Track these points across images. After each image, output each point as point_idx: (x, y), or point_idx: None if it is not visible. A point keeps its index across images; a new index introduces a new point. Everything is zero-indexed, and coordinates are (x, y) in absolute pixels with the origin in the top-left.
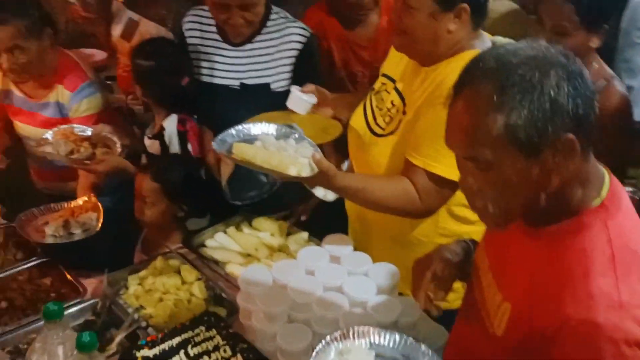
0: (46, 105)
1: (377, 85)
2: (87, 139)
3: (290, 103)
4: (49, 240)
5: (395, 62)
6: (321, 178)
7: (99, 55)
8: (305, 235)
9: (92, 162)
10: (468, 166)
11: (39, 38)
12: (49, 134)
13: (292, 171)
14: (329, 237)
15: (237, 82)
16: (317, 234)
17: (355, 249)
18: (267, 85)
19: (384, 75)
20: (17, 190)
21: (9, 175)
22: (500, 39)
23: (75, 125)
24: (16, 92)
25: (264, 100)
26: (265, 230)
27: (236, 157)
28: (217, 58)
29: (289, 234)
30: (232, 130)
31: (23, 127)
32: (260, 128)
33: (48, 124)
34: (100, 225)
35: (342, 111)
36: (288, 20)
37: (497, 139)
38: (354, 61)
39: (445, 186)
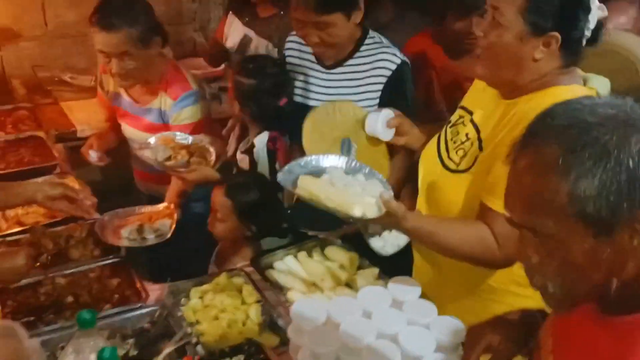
0: (150, 111)
1: (454, 117)
2: (186, 147)
3: (369, 120)
4: (124, 243)
5: (475, 94)
6: (389, 219)
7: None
8: (375, 271)
9: (185, 171)
10: (527, 236)
11: (147, 46)
12: (152, 139)
13: (357, 212)
14: (396, 279)
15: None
16: (385, 269)
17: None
18: None
19: (462, 107)
20: (119, 189)
21: (114, 173)
22: (595, 79)
23: (177, 133)
24: (124, 96)
25: None
26: (336, 261)
27: (300, 192)
28: (311, 79)
29: (359, 267)
30: (301, 161)
31: (128, 130)
32: (330, 161)
33: (151, 129)
34: (171, 232)
35: (416, 142)
36: (382, 45)
37: (561, 209)
38: (456, 93)
39: None
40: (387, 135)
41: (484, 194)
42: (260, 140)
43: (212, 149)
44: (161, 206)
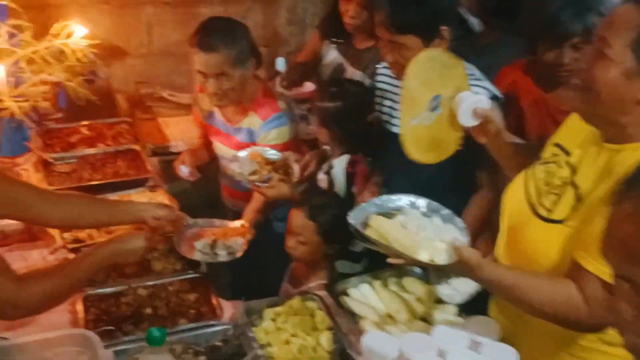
0: (240, 130)
1: (546, 154)
2: (272, 163)
3: (462, 95)
4: (196, 256)
5: (573, 131)
6: (461, 267)
7: (308, 87)
8: (454, 308)
9: (265, 186)
10: (623, 289)
11: (243, 67)
12: (242, 152)
13: (423, 256)
14: (475, 319)
15: None
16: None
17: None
18: None
19: (557, 144)
20: (206, 204)
21: (203, 189)
22: None
23: (267, 149)
24: (218, 115)
25: None
26: (413, 293)
27: (369, 233)
28: (398, 106)
29: (437, 302)
30: (377, 200)
31: (220, 147)
32: (410, 199)
33: (240, 147)
34: (242, 251)
35: (497, 150)
36: (473, 77)
37: None
38: (550, 127)
39: None
40: (466, 119)
41: (578, 251)
42: (340, 163)
43: (296, 168)
44: (237, 223)
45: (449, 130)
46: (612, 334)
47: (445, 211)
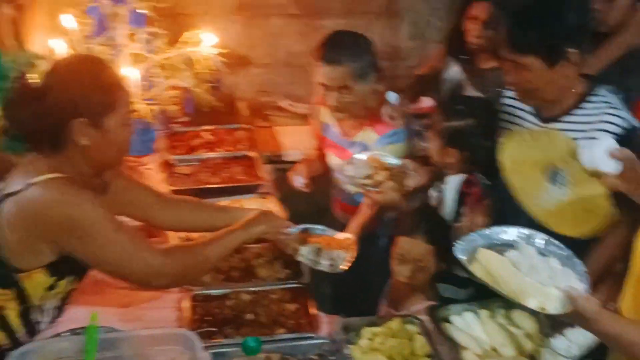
0: (354, 144)
1: None
2: (389, 169)
3: (586, 147)
4: (299, 258)
5: None
6: (576, 317)
7: (426, 102)
8: None
9: (374, 190)
10: None
11: (365, 81)
12: (359, 155)
13: (532, 303)
14: None
15: None
16: None
17: None
18: None
19: None
20: (316, 214)
21: (314, 199)
22: None
23: (386, 154)
24: (334, 127)
25: None
26: (522, 328)
27: (474, 269)
28: (525, 130)
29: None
30: (487, 230)
31: (333, 159)
32: (525, 232)
33: None
34: (345, 266)
35: None
36: (610, 106)
37: None
38: None
39: None
40: (608, 165)
41: None
42: (454, 181)
43: (411, 179)
44: (343, 236)
45: (592, 192)
46: None
47: (565, 252)
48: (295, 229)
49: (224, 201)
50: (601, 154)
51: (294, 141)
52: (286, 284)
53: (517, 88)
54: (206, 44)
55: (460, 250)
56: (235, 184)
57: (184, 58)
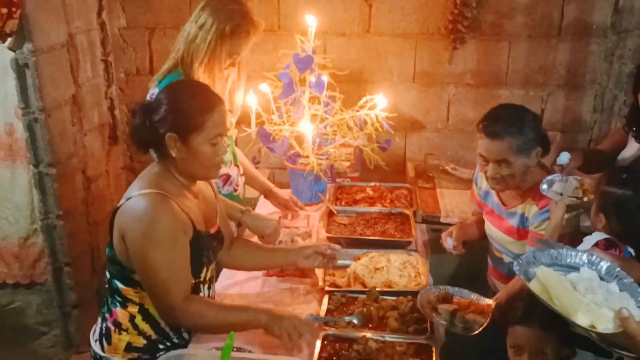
0: (514, 214)
1: None
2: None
3: None
4: (434, 317)
5: None
6: (626, 339)
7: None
8: None
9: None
10: None
11: (526, 156)
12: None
13: (580, 319)
14: None
15: None
16: None
17: None
18: None
19: None
20: (469, 280)
21: (468, 264)
22: None
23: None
24: (494, 196)
25: None
26: None
27: (532, 285)
28: None
29: None
30: (554, 252)
31: (490, 228)
32: (592, 258)
33: (510, 232)
34: (479, 330)
35: None
36: None
37: None
38: None
39: None
40: None
41: None
42: (589, 240)
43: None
44: (486, 301)
45: None
46: None
47: (628, 279)
48: (435, 290)
49: (374, 253)
50: None
51: (453, 204)
52: (413, 339)
53: None
54: (379, 108)
55: (518, 267)
56: (385, 238)
57: (357, 120)
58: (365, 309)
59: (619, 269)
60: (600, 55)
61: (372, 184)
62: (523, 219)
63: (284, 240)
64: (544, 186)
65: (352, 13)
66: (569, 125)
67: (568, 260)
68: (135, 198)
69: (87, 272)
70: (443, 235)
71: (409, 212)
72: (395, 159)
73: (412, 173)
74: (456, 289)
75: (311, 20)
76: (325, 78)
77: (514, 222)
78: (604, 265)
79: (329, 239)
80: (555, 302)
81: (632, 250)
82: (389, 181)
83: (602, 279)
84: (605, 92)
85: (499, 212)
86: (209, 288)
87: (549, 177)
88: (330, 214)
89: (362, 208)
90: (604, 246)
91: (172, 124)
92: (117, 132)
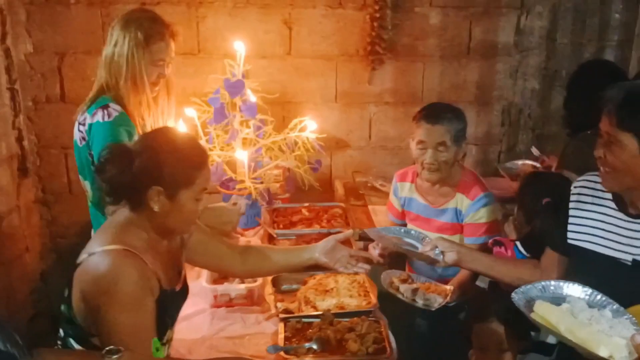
0: (445, 211)
1: None
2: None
3: None
4: (397, 295)
5: None
6: None
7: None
8: None
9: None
10: None
11: (458, 146)
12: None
13: (604, 352)
14: None
15: (629, 257)
16: None
17: None
18: None
19: None
20: None
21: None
22: None
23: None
24: (419, 200)
25: None
26: None
27: (535, 318)
28: (607, 226)
29: None
30: (539, 285)
31: None
32: (572, 290)
33: (443, 229)
34: (438, 307)
35: None
36: None
37: None
38: None
39: None
40: None
41: None
42: None
43: None
44: (446, 287)
45: None
46: None
47: (614, 305)
48: (397, 273)
49: (320, 275)
50: None
51: (387, 221)
52: (375, 359)
53: (602, 163)
54: (309, 129)
55: (516, 300)
56: None
57: (288, 142)
58: (322, 334)
59: (602, 296)
60: (506, 73)
61: (306, 204)
62: (457, 212)
63: None
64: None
65: (273, 36)
66: (480, 139)
67: (553, 290)
68: (98, 255)
69: None
70: (370, 245)
71: (347, 231)
72: (322, 177)
73: (341, 191)
74: (415, 274)
75: (240, 46)
76: (254, 100)
77: (446, 218)
78: (586, 293)
79: None
80: (569, 336)
81: (522, 249)
82: (317, 200)
83: (590, 306)
84: (512, 107)
85: (427, 214)
86: (168, 348)
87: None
88: (269, 238)
89: (301, 230)
90: (492, 244)
91: (159, 177)
92: (27, 163)
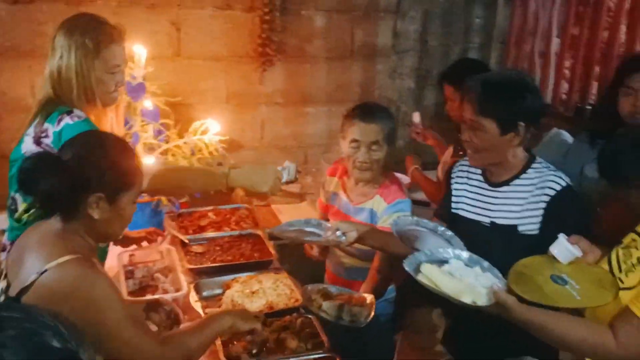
0: (362, 210)
1: (626, 240)
2: None
3: (554, 249)
4: (321, 314)
5: None
6: (499, 309)
7: (405, 179)
8: None
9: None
10: None
11: (389, 146)
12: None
13: (466, 299)
14: None
15: (487, 220)
16: None
17: None
18: (514, 227)
19: (635, 231)
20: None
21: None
22: None
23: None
24: (342, 195)
25: (510, 240)
26: None
27: (421, 278)
28: (475, 195)
29: None
30: (427, 250)
31: None
32: (454, 252)
33: None
34: (365, 323)
35: (599, 258)
36: (549, 169)
37: None
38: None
39: None
40: (576, 251)
41: (632, 300)
42: None
43: None
44: (366, 296)
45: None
46: None
47: (485, 263)
48: (313, 287)
49: (243, 277)
50: (565, 247)
51: (293, 218)
52: (316, 353)
53: (469, 146)
54: (211, 132)
55: (407, 266)
56: (248, 261)
57: (192, 145)
58: (259, 335)
59: (476, 256)
60: (385, 73)
61: (210, 208)
62: (372, 214)
63: (144, 278)
64: None
65: (161, 37)
66: None
67: (439, 256)
68: (54, 271)
69: None
70: (306, 247)
71: (259, 231)
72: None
73: (241, 192)
74: (329, 285)
75: (141, 49)
76: (151, 104)
77: (362, 217)
78: (465, 255)
79: (191, 270)
80: (444, 290)
81: None
82: (216, 204)
83: (467, 265)
84: (391, 105)
85: (346, 211)
86: None
87: None
88: (182, 244)
89: (212, 234)
90: None
91: (100, 184)
92: None
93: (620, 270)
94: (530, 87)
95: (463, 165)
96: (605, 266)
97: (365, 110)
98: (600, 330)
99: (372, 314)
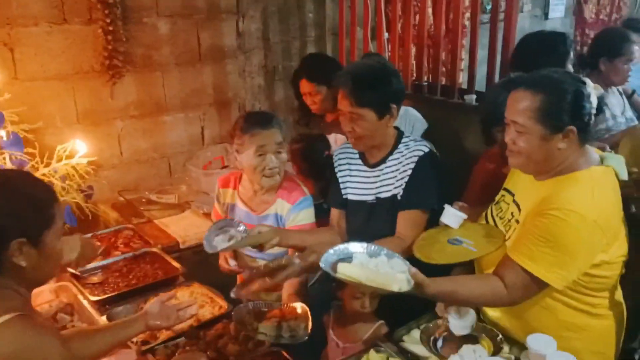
0: (267, 217)
1: (497, 196)
2: None
3: (444, 218)
4: (260, 337)
5: (515, 178)
6: (417, 289)
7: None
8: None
9: None
10: None
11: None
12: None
13: (395, 288)
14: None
15: (372, 197)
16: None
17: None
18: (395, 196)
19: (505, 188)
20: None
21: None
22: (610, 157)
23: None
24: (241, 206)
25: (391, 208)
26: None
27: (340, 277)
28: (358, 178)
29: None
30: (331, 250)
31: None
32: (354, 247)
33: None
34: (307, 335)
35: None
36: (415, 142)
37: None
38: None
39: (534, 284)
40: (462, 214)
41: (510, 249)
42: None
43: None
44: (297, 305)
45: (483, 230)
46: (566, 320)
47: (385, 250)
48: (244, 308)
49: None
50: (452, 213)
51: (182, 229)
52: (260, 352)
53: (352, 135)
54: (78, 155)
55: (324, 267)
56: (154, 281)
57: (60, 173)
58: (198, 349)
59: (374, 246)
60: (235, 73)
61: (90, 234)
62: (277, 218)
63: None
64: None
65: None
66: (226, 137)
67: (345, 252)
68: None
69: None
70: (221, 261)
71: (155, 249)
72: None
73: (114, 214)
74: (255, 302)
75: None
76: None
77: (268, 223)
78: (364, 247)
79: (98, 302)
80: (370, 284)
81: None
82: (84, 231)
83: (370, 256)
84: (246, 103)
85: (250, 221)
86: None
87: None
88: (76, 277)
89: (104, 261)
90: None
91: (19, 228)
92: None
93: (495, 225)
94: (393, 71)
95: (341, 154)
96: (483, 222)
97: (259, 119)
98: (491, 282)
99: (310, 324)
